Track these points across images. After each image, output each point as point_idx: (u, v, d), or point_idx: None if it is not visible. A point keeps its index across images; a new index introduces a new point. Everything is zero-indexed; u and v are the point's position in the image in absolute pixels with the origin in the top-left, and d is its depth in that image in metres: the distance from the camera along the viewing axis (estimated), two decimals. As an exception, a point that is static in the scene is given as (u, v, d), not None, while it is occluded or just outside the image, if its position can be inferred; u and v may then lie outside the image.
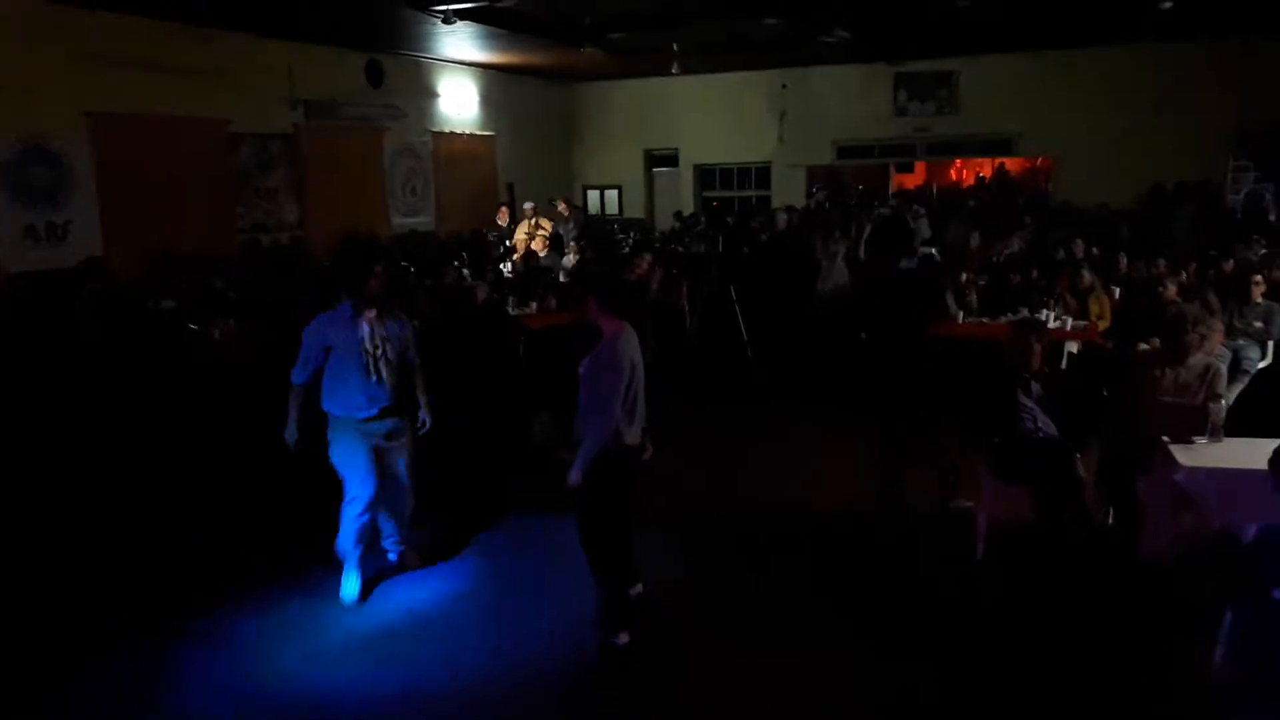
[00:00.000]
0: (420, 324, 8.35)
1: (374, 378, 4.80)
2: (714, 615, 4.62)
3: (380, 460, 4.97)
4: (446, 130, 15.79)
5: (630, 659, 4.18)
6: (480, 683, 4.11)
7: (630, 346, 4.24)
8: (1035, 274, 9.45)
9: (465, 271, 10.42)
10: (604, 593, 4.24)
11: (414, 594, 5.04)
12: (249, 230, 12.16)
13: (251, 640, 4.52)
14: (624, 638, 4.23)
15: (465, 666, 4.24)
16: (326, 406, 4.89)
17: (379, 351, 4.80)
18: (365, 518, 4.96)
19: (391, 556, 5.35)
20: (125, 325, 7.70)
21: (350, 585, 4.98)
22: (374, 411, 4.86)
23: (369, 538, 5.08)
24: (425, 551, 5.45)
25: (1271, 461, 4.07)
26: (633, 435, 4.19)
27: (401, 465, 5.10)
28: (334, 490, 4.90)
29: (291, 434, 4.88)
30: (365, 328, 4.80)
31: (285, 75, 12.43)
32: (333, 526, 4.97)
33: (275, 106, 12.46)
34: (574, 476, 4.09)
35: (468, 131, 16.31)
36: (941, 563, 5.22)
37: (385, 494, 5.06)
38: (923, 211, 14.64)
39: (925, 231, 12.97)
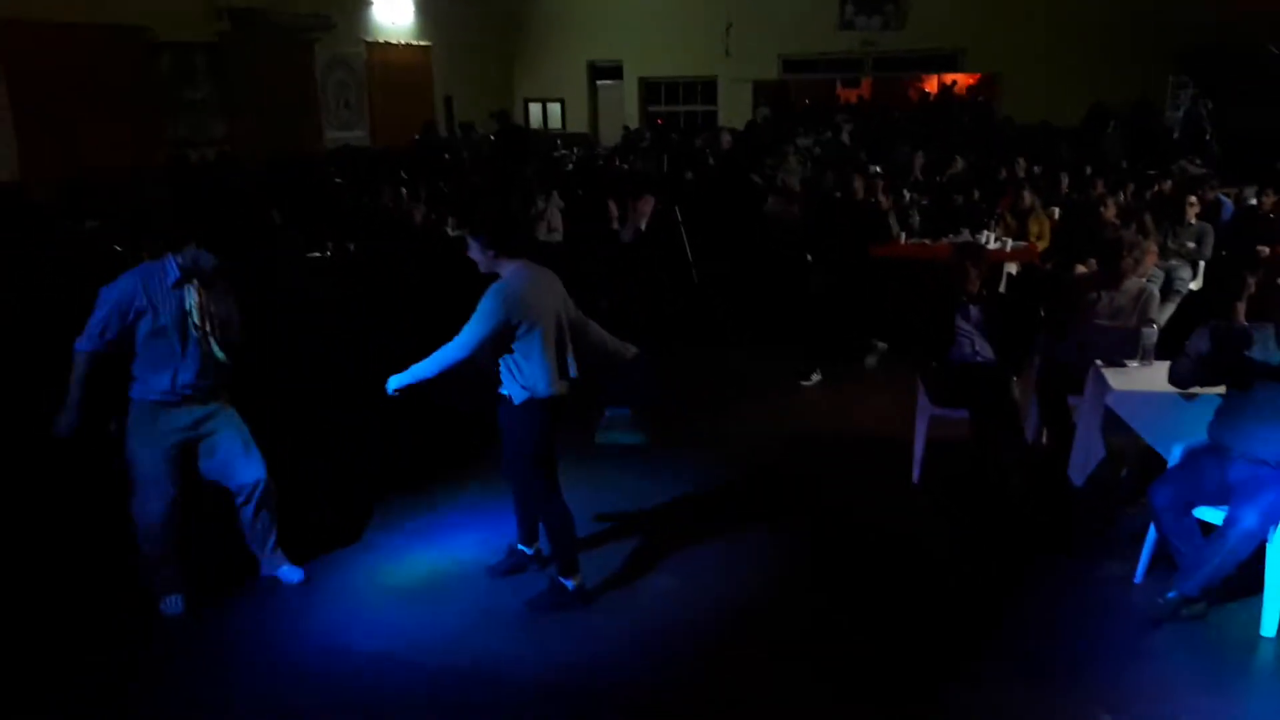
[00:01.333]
0: (355, 249, 8.15)
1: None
2: (658, 549, 4.65)
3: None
4: (380, 40, 15.23)
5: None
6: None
7: (532, 291, 3.83)
8: (976, 194, 9.50)
9: (403, 190, 10.14)
10: (550, 532, 4.13)
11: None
12: (176, 146, 11.68)
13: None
14: (574, 581, 4.11)
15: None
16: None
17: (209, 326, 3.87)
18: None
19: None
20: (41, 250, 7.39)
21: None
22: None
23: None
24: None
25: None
26: (560, 386, 3.93)
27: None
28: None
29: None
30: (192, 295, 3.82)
31: (208, -19, 11.85)
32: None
33: (198, 14, 11.87)
34: (391, 384, 3.87)
35: (403, 41, 15.75)
36: (878, 487, 5.30)
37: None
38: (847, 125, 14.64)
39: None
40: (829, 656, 3.74)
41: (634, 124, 17.65)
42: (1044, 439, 5.42)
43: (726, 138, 11.72)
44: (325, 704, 3.50)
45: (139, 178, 9.73)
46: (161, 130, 11.53)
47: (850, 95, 20.49)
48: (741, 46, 17.30)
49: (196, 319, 3.82)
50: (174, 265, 3.80)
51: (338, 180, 10.64)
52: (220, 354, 3.91)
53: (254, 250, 7.06)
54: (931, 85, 21.12)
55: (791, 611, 4.09)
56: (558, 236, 9.50)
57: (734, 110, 17.43)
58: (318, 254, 8.13)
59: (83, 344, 3.75)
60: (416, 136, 13.92)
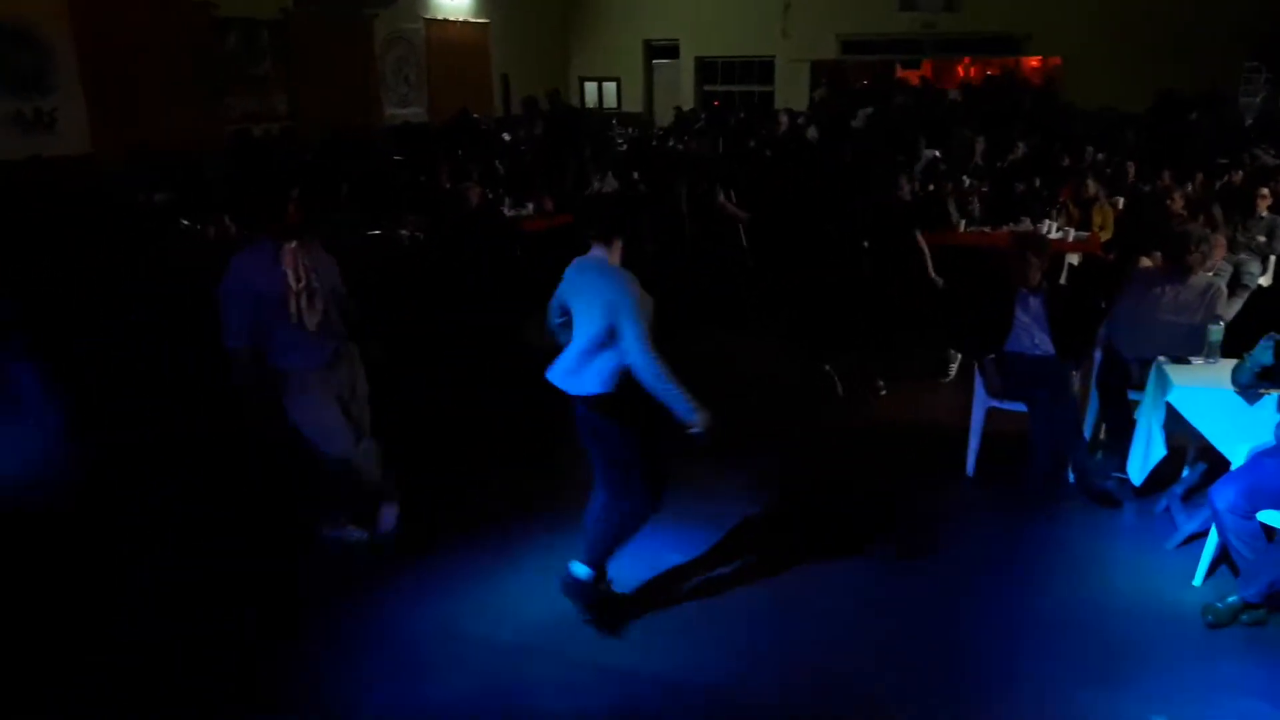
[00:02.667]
0: (410, 232, 8.24)
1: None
2: (731, 550, 4.68)
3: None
4: (440, 18, 15.31)
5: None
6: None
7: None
8: (1039, 182, 9.34)
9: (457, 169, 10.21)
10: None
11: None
12: (239, 121, 11.89)
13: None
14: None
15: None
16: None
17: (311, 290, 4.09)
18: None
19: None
20: (116, 222, 7.60)
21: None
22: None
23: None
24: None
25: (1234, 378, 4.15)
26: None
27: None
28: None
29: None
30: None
31: (272, -42, 11.99)
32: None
33: (263, -10, 12.07)
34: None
35: (462, 19, 15.82)
36: (933, 479, 5.28)
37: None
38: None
39: None
40: (888, 651, 3.76)
41: (689, 104, 17.56)
42: (1102, 435, 5.35)
43: (784, 119, 11.61)
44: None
45: (205, 154, 9.93)
46: (226, 105, 11.74)
47: (911, 76, 20.16)
48: (800, 26, 17.12)
49: (293, 284, 4.03)
50: (268, 244, 3.99)
51: (396, 157, 10.77)
52: (314, 320, 4.10)
53: (322, 225, 7.23)
54: (992, 68, 20.70)
55: (848, 609, 4.09)
56: (612, 217, 9.52)
57: (791, 91, 17.28)
58: (377, 231, 8.26)
59: (233, 341, 3.99)
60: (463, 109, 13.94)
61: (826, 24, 17.00)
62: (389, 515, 4.63)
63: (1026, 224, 8.13)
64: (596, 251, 3.70)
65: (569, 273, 3.75)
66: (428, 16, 15.06)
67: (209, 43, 11.45)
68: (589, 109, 17.99)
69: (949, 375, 6.92)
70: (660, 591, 4.14)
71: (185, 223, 8.05)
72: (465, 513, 4.87)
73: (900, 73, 19.42)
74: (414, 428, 5.69)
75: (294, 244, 4.07)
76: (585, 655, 3.72)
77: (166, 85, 10.82)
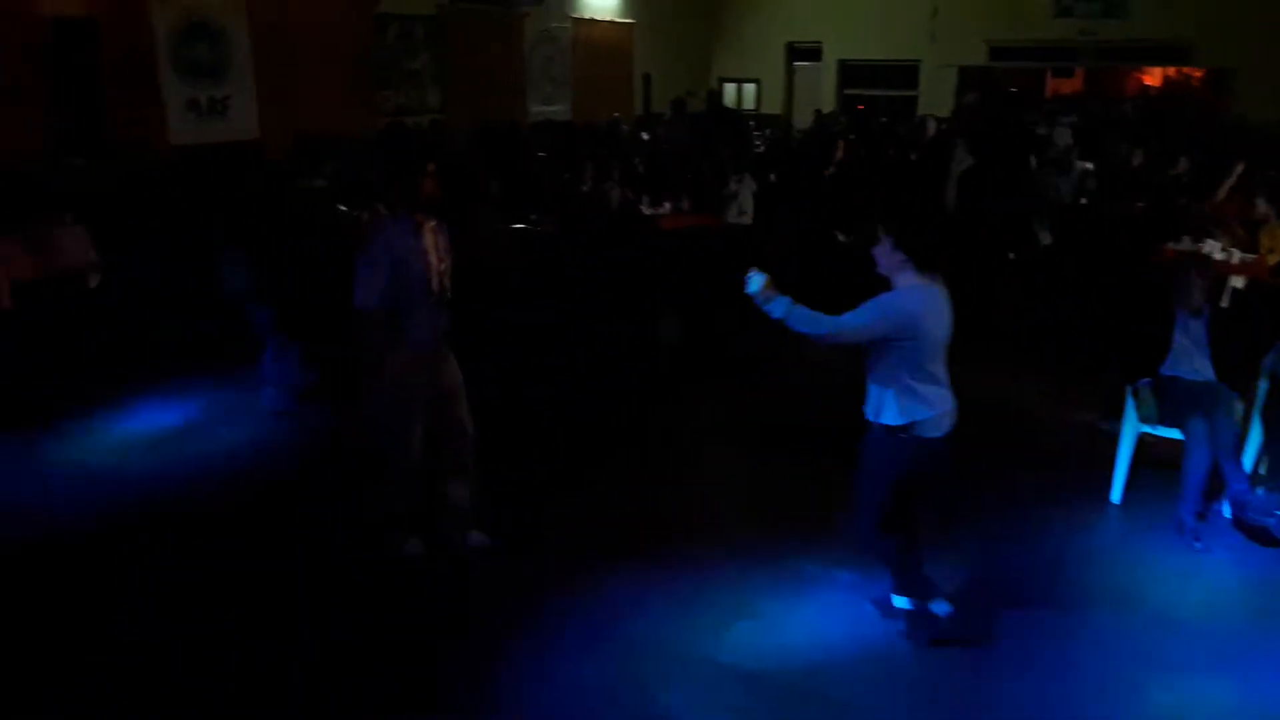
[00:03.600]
0: (551, 227, 8.43)
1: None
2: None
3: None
4: (587, 17, 15.58)
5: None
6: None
7: (928, 317, 3.49)
8: (1202, 199, 8.88)
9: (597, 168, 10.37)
10: None
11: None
12: (392, 113, 12.39)
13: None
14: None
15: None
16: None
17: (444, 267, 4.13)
18: None
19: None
20: (282, 203, 8.02)
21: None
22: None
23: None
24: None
25: None
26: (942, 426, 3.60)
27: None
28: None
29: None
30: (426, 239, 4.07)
31: (432, -44, 12.44)
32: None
33: (421, -14, 12.54)
34: (754, 285, 3.44)
35: (608, 19, 16.05)
36: (1074, 504, 5.10)
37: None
38: (1067, 120, 13.79)
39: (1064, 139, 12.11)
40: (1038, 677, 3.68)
41: (829, 106, 17.36)
42: (1263, 469, 5.07)
43: (932, 125, 11.33)
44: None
45: (361, 143, 10.39)
46: (382, 98, 12.25)
47: (1061, 86, 19.42)
48: (948, 31, 16.69)
49: (433, 261, 4.06)
50: (409, 218, 4.05)
51: (540, 154, 11.03)
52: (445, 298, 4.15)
53: (472, 217, 7.49)
54: (1150, 78, 19.75)
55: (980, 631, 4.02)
56: (747, 220, 9.54)
57: (936, 96, 16.87)
58: (521, 225, 8.50)
59: (365, 301, 3.93)
60: (614, 118, 14.18)
61: (976, 29, 16.53)
62: (475, 538, 4.47)
63: (1187, 243, 7.75)
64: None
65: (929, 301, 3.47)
66: (576, 16, 15.34)
67: (369, 37, 11.97)
68: (728, 106, 17.94)
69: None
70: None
71: (342, 208, 8.46)
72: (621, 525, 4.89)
73: (1051, 81, 18.74)
74: (540, 427, 5.83)
75: (433, 222, 4.12)
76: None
77: (329, 77, 11.36)
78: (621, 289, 7.76)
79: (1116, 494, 5.08)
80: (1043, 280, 8.73)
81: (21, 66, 8.75)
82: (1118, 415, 5.21)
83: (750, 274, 3.44)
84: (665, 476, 5.31)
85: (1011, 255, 7.45)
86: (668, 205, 9.60)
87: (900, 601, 3.87)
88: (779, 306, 3.41)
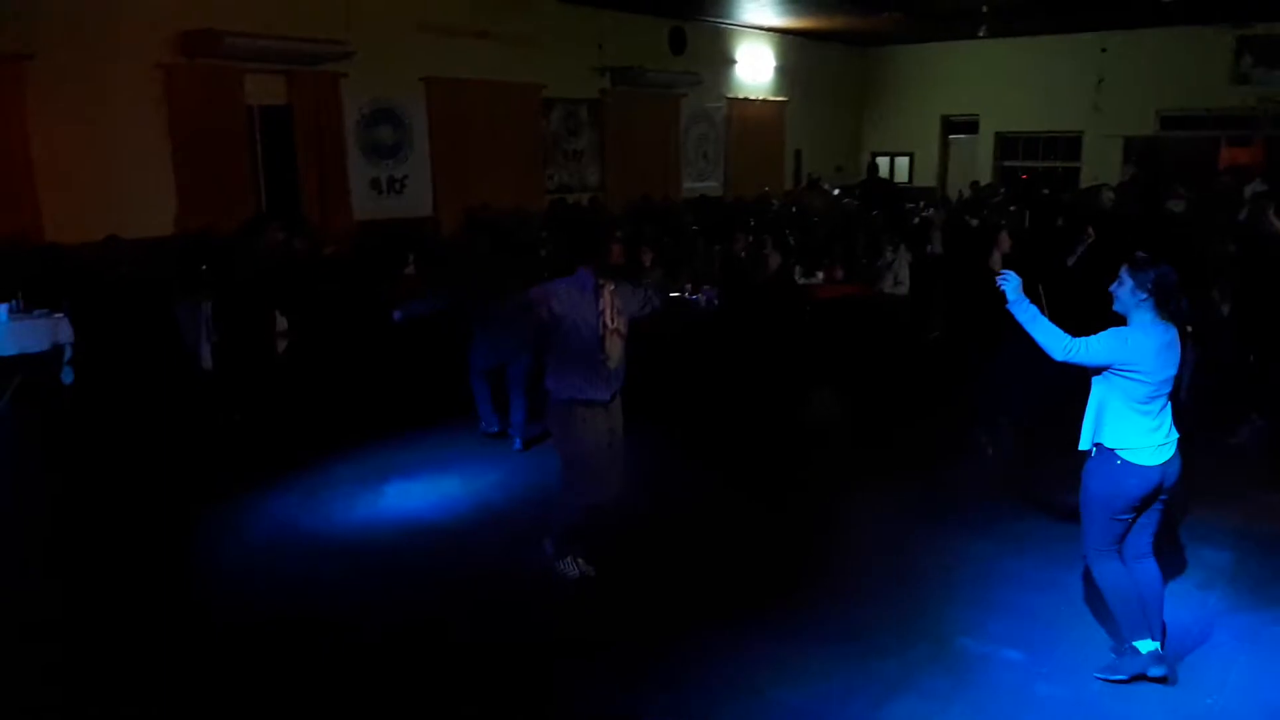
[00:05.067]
0: (712, 288, 8.62)
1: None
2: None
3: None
4: (740, 96, 15.96)
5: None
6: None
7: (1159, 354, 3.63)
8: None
9: (750, 238, 10.56)
10: None
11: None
12: (556, 191, 12.97)
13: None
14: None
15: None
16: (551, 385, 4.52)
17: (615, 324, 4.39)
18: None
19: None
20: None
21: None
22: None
23: None
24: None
25: None
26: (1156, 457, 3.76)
27: None
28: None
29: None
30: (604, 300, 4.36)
31: (594, 42, 13.06)
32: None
33: (585, 72, 13.17)
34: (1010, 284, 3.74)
35: (761, 98, 16.40)
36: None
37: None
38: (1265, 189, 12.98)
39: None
40: None
41: (985, 178, 17.09)
42: None
43: (1109, 194, 10.84)
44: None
45: (529, 217, 10.93)
46: (545, 177, 12.86)
47: (1238, 156, 18.46)
48: (1113, 100, 16.23)
49: (608, 320, 4.33)
50: (588, 274, 4.33)
51: (694, 227, 11.30)
52: (616, 359, 4.40)
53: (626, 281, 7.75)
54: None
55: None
56: (903, 290, 9.47)
57: (1099, 166, 16.35)
58: (676, 294, 8.70)
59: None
60: (764, 191, 14.45)
61: (1145, 99, 16.00)
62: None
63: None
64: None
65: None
66: (731, 95, 15.75)
67: (536, 120, 12.63)
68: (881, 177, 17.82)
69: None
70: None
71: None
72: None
73: (1225, 149, 17.84)
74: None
75: (612, 286, 4.36)
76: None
77: (497, 158, 12.02)
78: (777, 355, 7.83)
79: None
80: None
81: (230, 151, 9.68)
82: None
83: (1007, 273, 3.76)
84: (820, 544, 5.27)
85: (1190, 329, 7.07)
86: (820, 275, 9.65)
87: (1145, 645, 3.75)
88: (1027, 310, 3.71)
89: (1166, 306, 3.58)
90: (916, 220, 12.62)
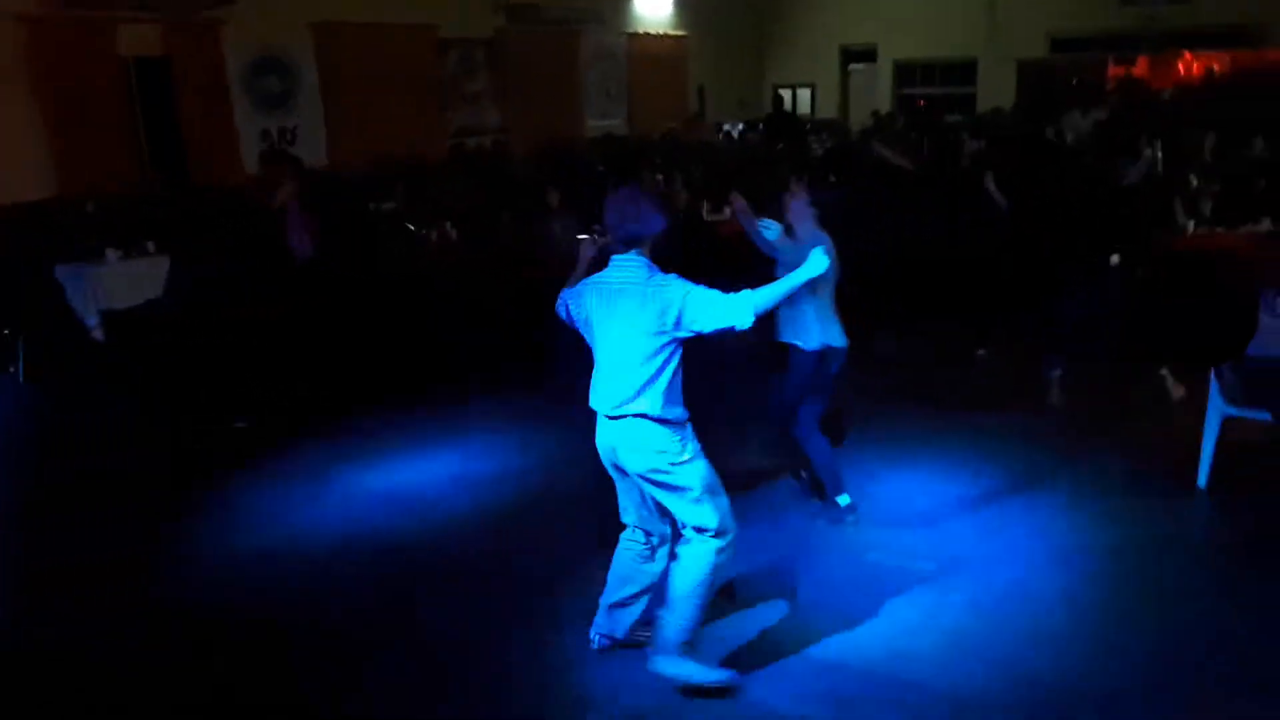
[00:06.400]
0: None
1: None
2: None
3: None
4: (641, 31, 15.73)
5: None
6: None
7: None
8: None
9: (659, 177, 10.50)
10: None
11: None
12: (455, 135, 12.66)
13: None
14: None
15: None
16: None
17: None
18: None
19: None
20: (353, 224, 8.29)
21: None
22: None
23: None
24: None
25: None
26: None
27: None
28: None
29: None
30: None
31: (489, -22, 12.70)
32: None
33: (480, 11, 12.80)
34: None
35: (662, 32, 16.19)
36: (1159, 490, 5.01)
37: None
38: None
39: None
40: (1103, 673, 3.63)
41: (885, 107, 17.24)
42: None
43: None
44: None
45: (428, 166, 10.65)
46: (444, 120, 12.52)
47: (1121, 72, 18.98)
48: (1006, 25, 16.49)
49: None
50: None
51: (600, 168, 11.17)
52: None
53: (538, 231, 7.65)
54: (1220, 63, 19.18)
55: (1059, 619, 3.98)
56: (810, 223, 9.53)
57: (995, 92, 16.64)
58: (584, 236, 8.62)
59: None
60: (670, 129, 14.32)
61: (1036, 22, 16.28)
62: None
63: (1266, 225, 7.56)
64: None
65: None
66: (630, 30, 15.50)
67: (431, 63, 12.25)
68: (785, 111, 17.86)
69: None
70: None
71: (411, 228, 8.70)
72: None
73: (1112, 68, 18.32)
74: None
75: None
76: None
77: (392, 103, 11.64)
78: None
79: (1203, 478, 4.97)
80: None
81: (107, 108, 9.17)
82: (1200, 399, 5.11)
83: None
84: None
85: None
86: (728, 211, 9.64)
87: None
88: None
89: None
90: (819, 152, 12.72)
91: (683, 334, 3.31)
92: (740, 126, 15.85)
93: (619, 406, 3.34)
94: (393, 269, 7.70)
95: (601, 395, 3.40)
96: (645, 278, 3.34)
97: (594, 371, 3.45)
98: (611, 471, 3.52)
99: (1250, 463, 4.93)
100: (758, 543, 4.30)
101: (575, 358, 3.70)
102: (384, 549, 4.68)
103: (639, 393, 3.31)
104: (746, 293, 3.32)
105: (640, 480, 3.42)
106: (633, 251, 3.38)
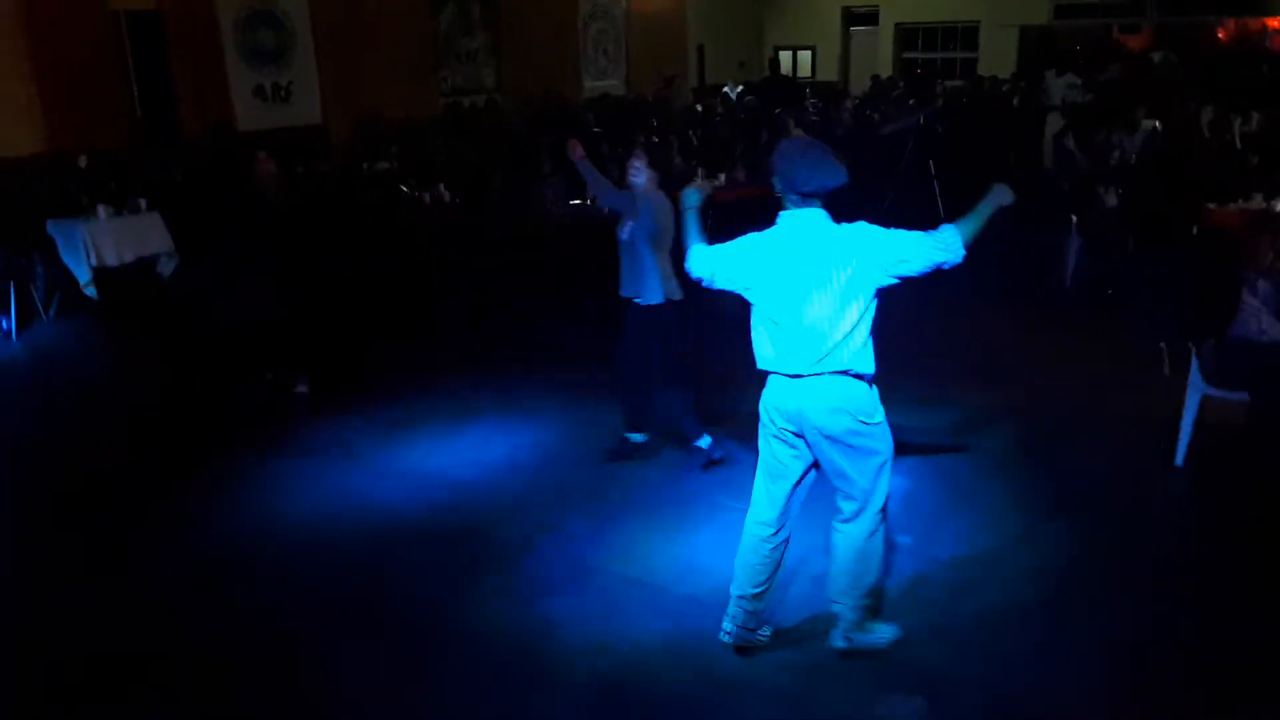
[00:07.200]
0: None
1: None
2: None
3: None
4: (640, -11, 15.57)
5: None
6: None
7: None
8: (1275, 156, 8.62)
9: (645, 140, 10.42)
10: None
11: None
12: (451, 94, 12.56)
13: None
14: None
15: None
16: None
17: None
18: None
19: None
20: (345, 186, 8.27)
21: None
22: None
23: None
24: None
25: None
26: None
27: None
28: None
29: None
30: None
31: (487, -66, 12.52)
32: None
33: (476, -34, 12.63)
34: None
35: (661, -10, 16.03)
36: (1135, 469, 5.05)
37: None
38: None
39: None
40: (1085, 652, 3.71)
41: (886, 71, 17.11)
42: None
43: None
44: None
45: (423, 126, 10.59)
46: (439, 81, 12.41)
47: (1130, 42, 18.82)
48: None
49: None
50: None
51: (596, 129, 11.10)
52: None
53: (528, 196, 7.63)
54: (1223, 30, 19.01)
55: (1031, 599, 4.04)
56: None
57: (996, 57, 16.52)
58: (578, 201, 8.60)
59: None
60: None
61: (1038, -14, 16.15)
62: None
63: (1259, 201, 7.56)
64: None
65: None
66: (628, -12, 15.35)
67: (426, 20, 12.12)
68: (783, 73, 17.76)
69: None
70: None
71: (405, 189, 8.67)
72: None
73: (1119, 37, 18.17)
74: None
75: None
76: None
77: (386, 62, 11.54)
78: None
79: (1180, 457, 5.03)
80: (1107, 240, 8.57)
81: (98, 62, 9.08)
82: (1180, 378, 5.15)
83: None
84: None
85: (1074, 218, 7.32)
86: (722, 177, 9.61)
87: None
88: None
89: None
90: (816, 118, 12.63)
91: (891, 279, 3.16)
92: (739, 89, 15.75)
93: (817, 363, 3.17)
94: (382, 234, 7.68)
95: (792, 356, 3.21)
96: (833, 229, 3.20)
97: (768, 334, 3.27)
98: (775, 444, 3.38)
99: (1228, 441, 4.97)
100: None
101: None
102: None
103: (841, 348, 3.16)
104: (947, 227, 3.17)
105: (831, 445, 3.25)
106: (814, 204, 3.21)
